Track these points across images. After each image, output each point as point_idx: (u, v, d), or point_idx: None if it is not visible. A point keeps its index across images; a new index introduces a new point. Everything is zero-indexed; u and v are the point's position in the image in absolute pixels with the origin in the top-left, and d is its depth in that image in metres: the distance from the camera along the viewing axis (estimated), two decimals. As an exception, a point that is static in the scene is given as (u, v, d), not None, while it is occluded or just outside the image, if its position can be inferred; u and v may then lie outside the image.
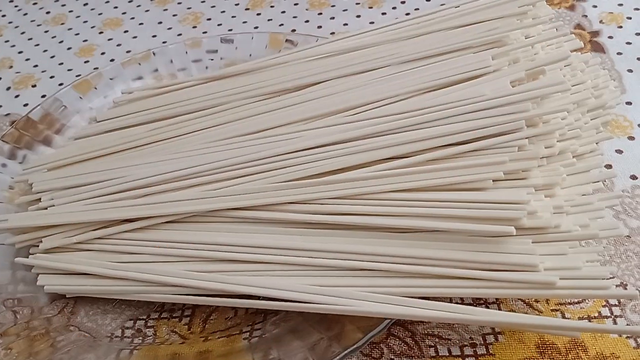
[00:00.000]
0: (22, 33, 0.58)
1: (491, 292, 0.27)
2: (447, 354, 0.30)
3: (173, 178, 0.33)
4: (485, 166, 0.29)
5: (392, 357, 0.31)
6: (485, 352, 0.30)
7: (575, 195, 0.30)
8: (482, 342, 0.31)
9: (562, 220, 0.28)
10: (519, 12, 0.36)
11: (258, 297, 0.30)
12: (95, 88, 0.45)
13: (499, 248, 0.28)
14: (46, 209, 0.35)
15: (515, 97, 0.31)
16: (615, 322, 0.31)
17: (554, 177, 0.29)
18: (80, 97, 0.45)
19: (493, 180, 0.29)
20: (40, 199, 0.36)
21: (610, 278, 0.31)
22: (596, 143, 0.32)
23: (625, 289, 0.32)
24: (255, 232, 0.31)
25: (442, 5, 0.40)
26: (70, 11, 0.61)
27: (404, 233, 0.29)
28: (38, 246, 0.34)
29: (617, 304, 0.32)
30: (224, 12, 0.57)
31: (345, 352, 0.27)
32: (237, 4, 0.58)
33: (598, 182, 0.31)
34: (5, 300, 0.33)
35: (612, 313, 0.31)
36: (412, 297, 0.28)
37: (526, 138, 0.30)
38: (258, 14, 0.56)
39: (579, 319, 0.31)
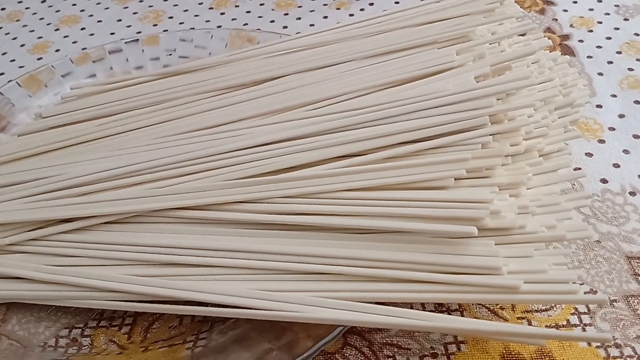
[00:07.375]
0: (-26, 29, 0.55)
1: (451, 296, 0.26)
2: (407, 365, 0.28)
3: (114, 176, 0.31)
4: (447, 164, 0.28)
5: (348, 368, 0.29)
6: (447, 363, 0.28)
7: (541, 195, 0.28)
8: (444, 352, 0.29)
9: (528, 220, 0.27)
10: (486, 10, 0.35)
11: (204, 304, 0.27)
12: (46, 86, 0.43)
13: (460, 250, 0.26)
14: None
15: (479, 92, 0.29)
16: (584, 331, 0.29)
17: (519, 176, 0.28)
18: (30, 95, 0.42)
19: (455, 179, 0.27)
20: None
21: (580, 284, 0.30)
22: (565, 142, 0.31)
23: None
24: (202, 234, 0.29)
25: (408, 4, 0.39)
26: (27, 8, 0.58)
27: (360, 234, 0.28)
28: (-33, 248, 0.31)
29: (586, 311, 0.30)
30: (186, 10, 0.55)
31: (295, 362, 0.25)
32: (200, 3, 0.56)
33: (566, 182, 0.30)
34: None
35: (581, 321, 0.29)
36: (367, 303, 0.26)
37: (490, 135, 0.28)
38: (222, 13, 0.54)
39: (546, 327, 0.29)
